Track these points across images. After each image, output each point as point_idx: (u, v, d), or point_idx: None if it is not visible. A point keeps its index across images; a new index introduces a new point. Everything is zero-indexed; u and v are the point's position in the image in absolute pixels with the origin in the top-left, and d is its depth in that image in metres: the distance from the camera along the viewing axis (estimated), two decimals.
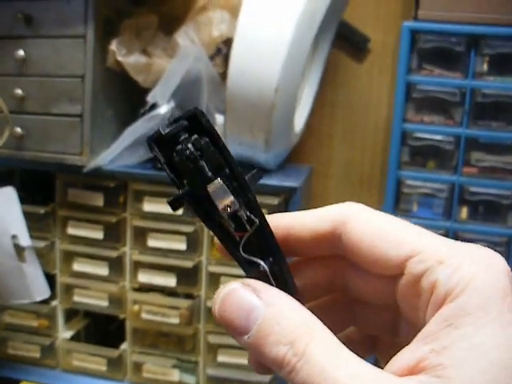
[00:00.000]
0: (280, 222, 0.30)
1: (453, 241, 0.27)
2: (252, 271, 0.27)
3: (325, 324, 0.25)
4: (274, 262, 0.27)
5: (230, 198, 0.26)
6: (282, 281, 0.28)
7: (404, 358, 0.24)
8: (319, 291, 0.33)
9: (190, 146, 0.25)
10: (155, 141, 0.26)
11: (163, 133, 0.26)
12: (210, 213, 0.26)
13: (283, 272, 0.28)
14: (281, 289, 0.27)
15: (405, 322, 0.30)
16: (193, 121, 0.26)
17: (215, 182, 0.26)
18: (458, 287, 0.24)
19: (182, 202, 0.26)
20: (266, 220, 0.27)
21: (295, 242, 0.30)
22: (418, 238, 0.27)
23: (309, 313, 0.26)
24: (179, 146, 0.25)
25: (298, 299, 0.27)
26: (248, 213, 0.26)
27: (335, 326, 0.27)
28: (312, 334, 0.25)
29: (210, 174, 0.26)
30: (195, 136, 0.26)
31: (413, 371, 0.23)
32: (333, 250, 0.30)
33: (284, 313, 0.25)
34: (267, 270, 0.27)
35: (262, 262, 0.27)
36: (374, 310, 0.32)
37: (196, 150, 0.25)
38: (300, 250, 0.31)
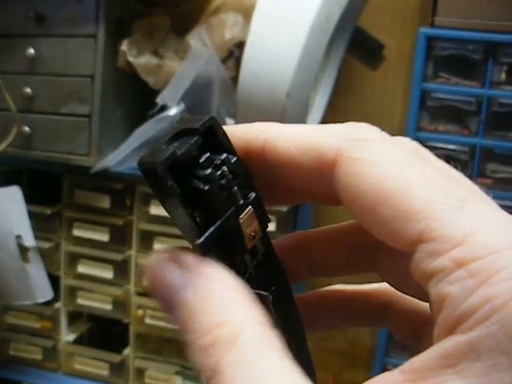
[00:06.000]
0: (260, 135, 0.21)
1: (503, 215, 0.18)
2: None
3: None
4: (276, 290, 0.23)
5: (255, 229, 0.21)
6: (285, 311, 0.23)
7: None
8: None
9: (224, 168, 0.20)
10: (169, 166, 0.19)
11: (178, 153, 0.19)
12: (232, 249, 0.21)
13: (287, 302, 0.23)
14: (283, 321, 0.22)
15: None
16: (206, 134, 0.20)
17: (246, 212, 0.21)
18: (479, 313, 0.16)
19: (213, 241, 0.20)
20: (272, 244, 0.22)
21: (285, 167, 0.21)
22: (440, 205, 0.17)
23: (245, 302, 0.18)
24: (209, 171, 0.20)
25: (302, 335, 0.21)
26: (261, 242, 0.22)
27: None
28: (233, 342, 0.17)
29: (242, 201, 0.21)
30: (225, 155, 0.20)
31: None
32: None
33: (209, 303, 0.18)
34: (270, 300, 0.22)
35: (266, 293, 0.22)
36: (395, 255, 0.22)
37: (229, 173, 0.20)
38: (290, 179, 0.22)
